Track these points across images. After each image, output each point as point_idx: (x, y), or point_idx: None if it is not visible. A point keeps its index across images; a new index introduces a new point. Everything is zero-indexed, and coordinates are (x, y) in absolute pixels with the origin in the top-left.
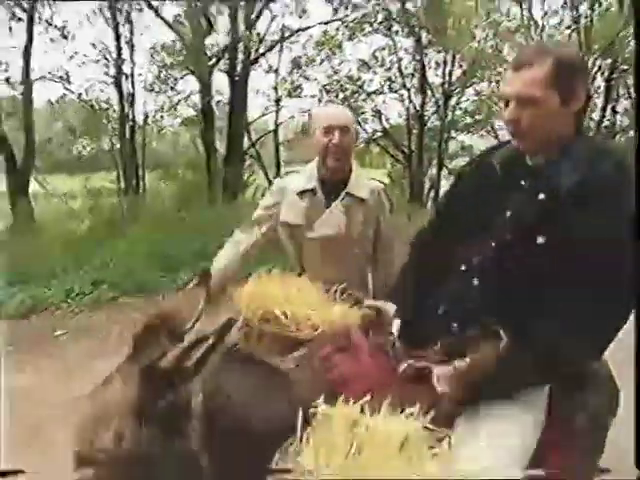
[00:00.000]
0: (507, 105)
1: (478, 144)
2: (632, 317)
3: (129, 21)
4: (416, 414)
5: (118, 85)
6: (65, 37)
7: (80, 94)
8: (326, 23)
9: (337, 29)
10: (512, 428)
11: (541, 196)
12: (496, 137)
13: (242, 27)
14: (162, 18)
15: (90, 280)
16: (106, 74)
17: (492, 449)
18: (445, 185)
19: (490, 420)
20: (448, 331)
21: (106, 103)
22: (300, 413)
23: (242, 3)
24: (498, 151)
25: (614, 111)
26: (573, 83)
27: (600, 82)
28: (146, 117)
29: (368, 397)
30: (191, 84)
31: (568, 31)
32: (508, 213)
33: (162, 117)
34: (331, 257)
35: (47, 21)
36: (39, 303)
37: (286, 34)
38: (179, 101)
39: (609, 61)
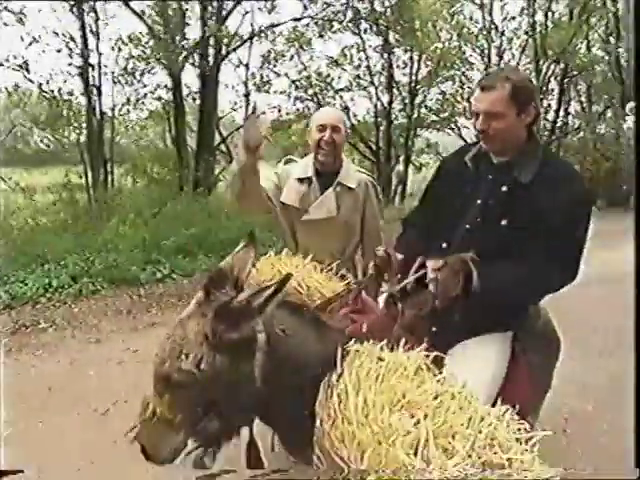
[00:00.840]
0: (477, 118)
1: (443, 141)
2: (632, 318)
3: (94, 9)
4: (424, 351)
5: (84, 76)
6: (22, 22)
7: (41, 84)
8: (297, 20)
9: (307, 25)
10: (485, 364)
11: (504, 188)
12: (460, 135)
13: (213, 22)
14: (132, 9)
15: (70, 274)
16: (70, 64)
17: (473, 375)
18: (412, 181)
19: (470, 356)
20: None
21: (70, 94)
22: (339, 350)
23: None
24: (470, 151)
25: (567, 113)
26: (526, 101)
27: (554, 85)
28: (113, 110)
29: (385, 341)
30: (159, 77)
31: (525, 37)
32: (478, 201)
33: (128, 110)
34: (323, 237)
35: (5, 7)
36: (16, 298)
37: (257, 30)
38: (146, 95)
39: (562, 66)
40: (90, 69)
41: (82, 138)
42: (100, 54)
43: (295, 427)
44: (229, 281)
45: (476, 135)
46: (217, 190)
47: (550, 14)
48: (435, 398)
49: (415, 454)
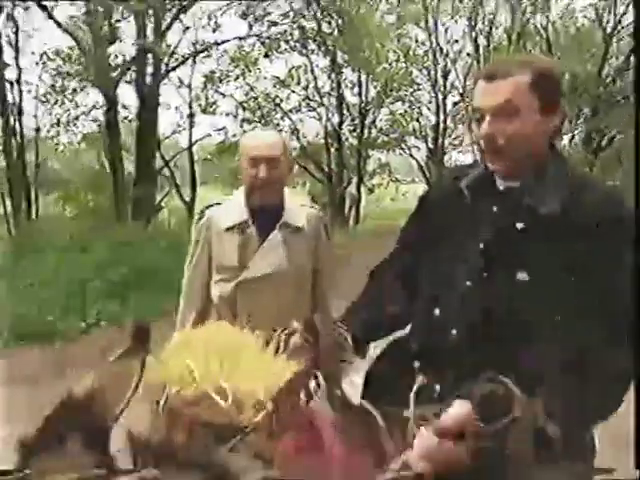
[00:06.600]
0: (480, 121)
1: (395, 162)
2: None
3: (12, 19)
4: None
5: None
6: None
7: None
8: (241, 39)
9: (253, 45)
10: None
11: (520, 225)
12: (410, 155)
13: (151, 37)
14: (55, 21)
15: None
16: None
17: None
18: (365, 203)
19: None
20: (430, 396)
21: None
22: None
23: (150, 11)
24: (466, 174)
25: None
26: (552, 97)
27: None
28: (38, 132)
29: None
30: (95, 97)
31: (469, 59)
32: (481, 245)
33: (58, 133)
34: (271, 298)
35: None
36: None
37: (199, 48)
38: (78, 116)
39: None
40: (8, 86)
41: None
42: (20, 69)
43: None
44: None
45: (479, 150)
46: (158, 220)
47: (490, 38)
48: None
49: None
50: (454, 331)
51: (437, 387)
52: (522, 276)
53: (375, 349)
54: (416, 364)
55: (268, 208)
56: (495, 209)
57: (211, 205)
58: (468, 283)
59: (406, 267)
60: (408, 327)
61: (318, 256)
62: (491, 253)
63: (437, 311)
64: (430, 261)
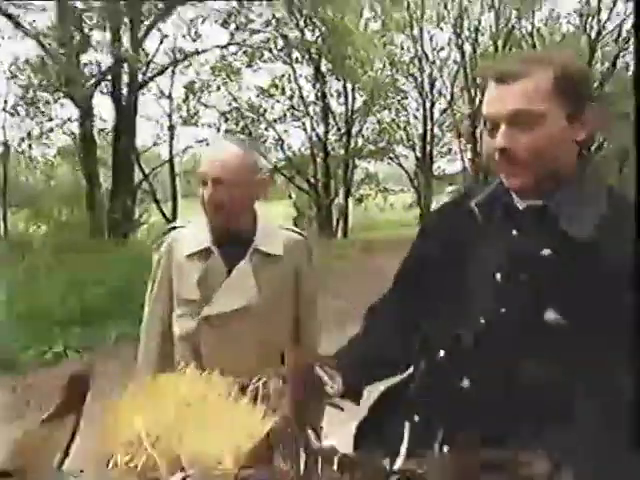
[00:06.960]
0: (493, 132)
1: (382, 171)
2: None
3: None
4: None
5: None
6: None
7: None
8: (223, 47)
9: (235, 54)
10: None
11: (546, 252)
12: (399, 164)
13: (128, 46)
14: (23, 29)
15: None
16: None
17: None
18: (354, 213)
19: None
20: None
21: None
22: None
23: (126, 20)
24: (478, 192)
25: None
26: (581, 92)
27: None
28: (6, 146)
29: None
30: (69, 108)
31: (455, 65)
32: (498, 276)
33: (30, 146)
34: (240, 338)
35: None
36: None
37: (179, 57)
38: (52, 129)
39: None
40: None
41: None
42: None
43: None
44: None
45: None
46: (136, 236)
47: (476, 45)
48: None
49: None
50: (466, 381)
51: (444, 448)
52: (551, 315)
53: (372, 394)
54: (416, 418)
55: (235, 232)
56: (515, 233)
57: (175, 227)
58: (482, 321)
59: (408, 302)
60: (410, 370)
61: (299, 287)
62: (510, 285)
63: (441, 353)
64: (435, 295)
